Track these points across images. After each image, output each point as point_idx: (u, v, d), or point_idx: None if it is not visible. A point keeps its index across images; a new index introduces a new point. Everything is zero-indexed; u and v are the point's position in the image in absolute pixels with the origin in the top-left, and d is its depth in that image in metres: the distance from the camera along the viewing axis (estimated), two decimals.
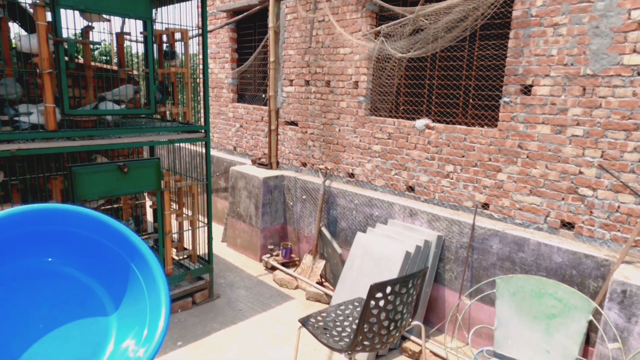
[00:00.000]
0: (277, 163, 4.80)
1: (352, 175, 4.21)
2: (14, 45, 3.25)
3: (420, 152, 3.64)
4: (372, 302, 2.13)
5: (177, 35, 3.46)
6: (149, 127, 3.16)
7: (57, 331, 1.05)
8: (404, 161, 3.76)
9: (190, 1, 3.35)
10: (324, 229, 4.03)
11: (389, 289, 2.14)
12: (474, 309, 3.05)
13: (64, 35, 2.76)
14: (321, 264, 3.97)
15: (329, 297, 3.66)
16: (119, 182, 2.99)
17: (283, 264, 4.25)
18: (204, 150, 3.50)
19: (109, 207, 4.09)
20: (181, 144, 3.61)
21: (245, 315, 3.45)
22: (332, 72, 4.32)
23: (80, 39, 3.35)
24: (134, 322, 1.07)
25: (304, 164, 4.79)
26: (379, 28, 3.65)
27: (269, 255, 4.40)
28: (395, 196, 3.78)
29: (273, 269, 4.26)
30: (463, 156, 3.35)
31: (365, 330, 2.17)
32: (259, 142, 5.65)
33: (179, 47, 3.52)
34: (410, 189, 3.75)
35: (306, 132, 4.73)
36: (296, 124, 4.83)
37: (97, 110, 2.93)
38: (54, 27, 2.62)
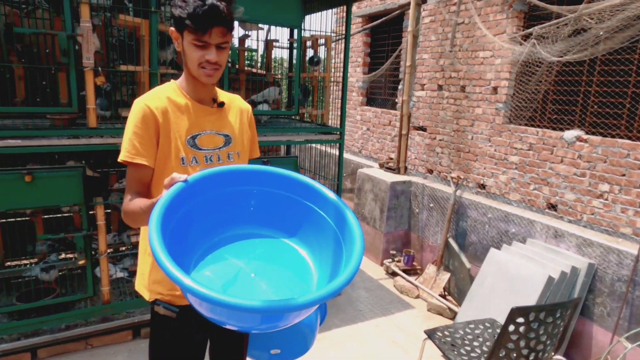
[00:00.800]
0: (405, 168, 4.74)
1: (483, 186, 3.96)
2: None
3: (567, 166, 3.26)
4: (512, 327, 1.97)
5: (320, 41, 3.64)
6: (290, 127, 3.38)
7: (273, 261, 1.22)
8: (547, 175, 3.41)
9: (332, 9, 3.50)
10: (451, 241, 3.87)
11: (532, 316, 1.97)
12: (632, 355, 2.63)
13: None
14: (445, 276, 3.82)
15: (453, 312, 3.50)
16: None
17: (404, 271, 4.19)
18: (335, 152, 3.61)
19: None
20: (313, 145, 3.79)
21: (365, 317, 3.48)
22: (468, 77, 4.12)
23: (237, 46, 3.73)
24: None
25: (430, 171, 4.65)
26: (530, 30, 3.36)
27: (390, 260, 4.38)
28: (535, 213, 3.45)
29: (394, 274, 4.23)
30: (623, 175, 2.91)
31: (500, 355, 2.02)
32: (384, 146, 5.66)
33: (321, 52, 3.71)
34: (552, 206, 3.38)
35: (435, 138, 4.59)
36: (425, 130, 4.72)
37: (256, 111, 3.24)
38: None
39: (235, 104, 1.53)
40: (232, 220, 1.26)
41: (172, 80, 1.43)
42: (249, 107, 1.58)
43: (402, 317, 3.53)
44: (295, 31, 3.29)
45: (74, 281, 3.18)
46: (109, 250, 2.96)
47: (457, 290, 3.79)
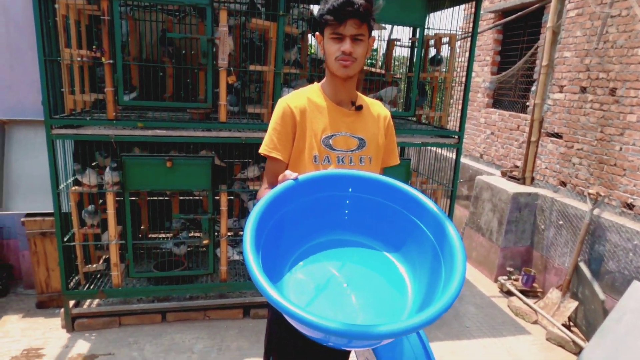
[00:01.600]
0: (532, 179, 4.30)
1: (630, 206, 3.38)
2: (311, 52, 3.93)
3: None
4: None
5: (444, 39, 3.47)
6: (405, 128, 3.30)
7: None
8: None
9: (460, 5, 3.30)
10: (582, 265, 3.40)
11: None
12: None
13: None
14: (572, 304, 3.37)
15: (577, 346, 3.07)
16: None
17: (522, 292, 3.81)
18: (452, 155, 3.43)
19: None
20: (431, 148, 3.64)
21: (472, 335, 3.25)
22: (621, 78, 3.54)
23: None
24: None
25: (563, 184, 4.13)
26: None
27: (506, 277, 4.02)
28: None
29: (509, 293, 3.87)
30: None
31: None
32: (509, 152, 5.20)
33: (445, 51, 3.54)
34: None
35: (572, 147, 4.05)
36: (560, 137, 4.20)
37: None
38: None
39: (374, 109, 1.55)
40: (330, 224, 1.27)
41: (315, 83, 1.52)
42: (388, 113, 1.59)
43: (515, 342, 3.21)
44: (418, 30, 3.19)
45: (199, 258, 3.56)
46: (229, 234, 3.24)
47: (585, 322, 3.32)
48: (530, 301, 3.64)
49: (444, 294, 0.93)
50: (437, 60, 3.36)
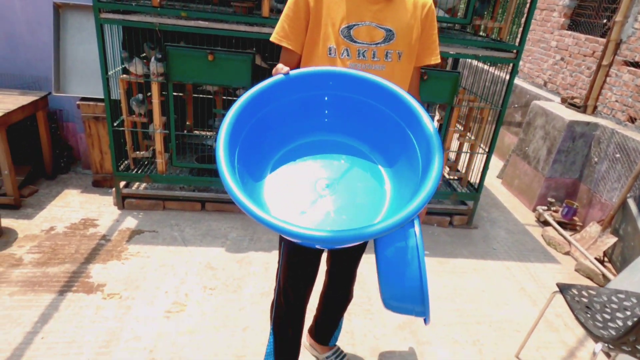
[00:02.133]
0: (595, 108, 3.94)
1: None
2: None
3: None
4: None
5: None
6: (458, 38, 3.06)
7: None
8: None
9: None
10: (631, 202, 3.20)
11: None
12: None
13: None
14: (610, 240, 3.24)
15: (607, 279, 3.01)
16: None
17: (559, 223, 3.70)
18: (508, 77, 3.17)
19: None
20: (487, 68, 3.37)
21: (497, 256, 3.26)
22: None
23: None
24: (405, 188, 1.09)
25: (632, 120, 3.76)
26: None
27: (545, 207, 3.89)
28: None
29: (545, 223, 3.77)
30: None
31: None
32: (578, 82, 4.74)
33: None
34: None
35: None
36: None
37: None
38: None
39: None
40: (317, 125, 1.20)
41: None
42: (427, 1, 1.37)
43: (541, 268, 3.19)
44: None
45: None
46: None
47: (621, 259, 3.21)
48: (566, 233, 3.54)
49: (416, 197, 0.90)
50: None
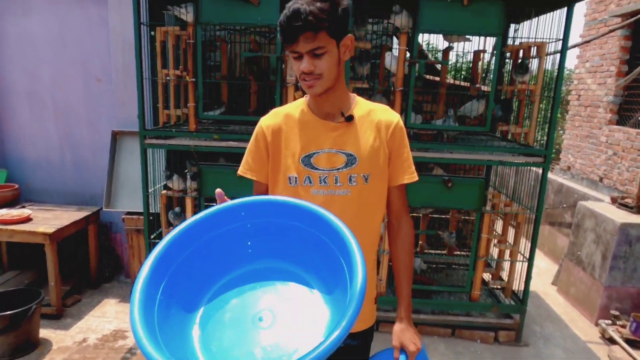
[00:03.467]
0: None
1: None
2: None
3: None
4: None
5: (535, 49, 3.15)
6: (481, 145, 3.06)
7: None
8: None
9: (553, 11, 2.96)
10: None
11: None
12: None
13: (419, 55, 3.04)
14: None
15: None
16: (441, 195, 3.08)
17: (628, 341, 3.20)
18: (557, 179, 3.05)
19: (437, 215, 4.29)
20: (532, 169, 3.26)
21: None
22: None
23: (437, 58, 3.61)
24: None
25: None
26: None
27: (609, 322, 3.42)
28: None
29: (611, 341, 3.28)
30: None
31: None
32: (637, 177, 4.44)
33: (536, 62, 3.21)
34: None
35: None
36: None
37: (430, 125, 3.10)
38: (411, 50, 2.94)
39: (375, 116, 1.35)
40: (242, 256, 1.14)
41: (305, 95, 1.40)
42: (393, 119, 1.35)
43: None
44: (495, 39, 2.96)
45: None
46: None
47: None
48: (637, 354, 3.04)
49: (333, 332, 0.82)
50: (523, 68, 3.05)
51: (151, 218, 3.38)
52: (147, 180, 3.17)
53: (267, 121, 1.38)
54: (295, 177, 1.33)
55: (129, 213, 3.58)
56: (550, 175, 3.23)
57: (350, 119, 1.33)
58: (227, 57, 3.65)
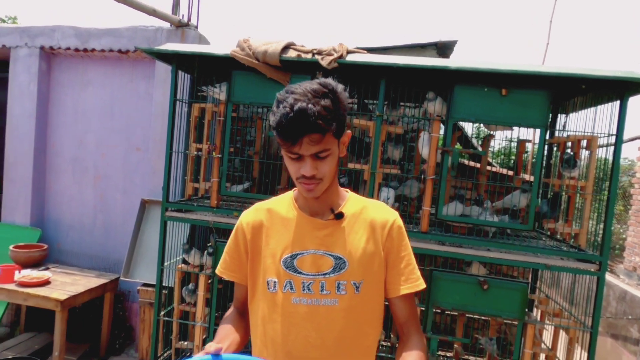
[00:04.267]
0: None
1: None
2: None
3: None
4: None
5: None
6: (522, 245, 2.72)
7: None
8: None
9: (604, 104, 2.72)
10: None
11: None
12: None
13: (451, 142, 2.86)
14: None
15: None
16: (475, 298, 2.72)
17: None
18: (625, 287, 2.63)
19: (475, 316, 3.82)
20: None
21: None
22: None
23: (474, 148, 3.41)
24: None
25: None
26: None
27: None
28: None
29: None
30: None
31: None
32: None
33: (585, 155, 2.92)
34: None
35: None
36: None
37: (468, 219, 2.82)
38: (444, 138, 2.77)
39: (368, 214, 1.20)
40: None
41: (294, 189, 1.28)
42: (389, 217, 1.20)
43: None
44: (539, 131, 2.73)
45: None
46: None
47: None
48: None
49: None
50: (568, 163, 2.77)
51: (165, 292, 3.25)
52: (164, 253, 3.08)
53: (248, 217, 1.25)
54: (275, 282, 1.17)
55: (145, 284, 3.49)
56: (610, 278, 2.78)
57: (340, 216, 1.18)
58: (261, 133, 3.67)
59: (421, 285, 1.20)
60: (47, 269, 3.64)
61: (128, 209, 3.89)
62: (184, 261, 3.35)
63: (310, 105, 1.01)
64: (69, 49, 3.80)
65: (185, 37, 3.61)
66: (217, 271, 1.29)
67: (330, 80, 1.09)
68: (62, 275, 3.56)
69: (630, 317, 4.10)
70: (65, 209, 4.04)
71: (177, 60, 2.96)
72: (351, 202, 1.24)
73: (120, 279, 3.63)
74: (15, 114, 3.93)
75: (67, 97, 4.00)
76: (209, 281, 3.10)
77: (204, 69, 3.21)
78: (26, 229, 3.91)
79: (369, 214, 1.21)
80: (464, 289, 2.72)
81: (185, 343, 3.29)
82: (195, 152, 3.17)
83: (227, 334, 1.16)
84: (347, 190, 1.28)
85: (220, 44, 3.31)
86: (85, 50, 3.78)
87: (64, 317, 3.11)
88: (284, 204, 1.25)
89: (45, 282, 3.30)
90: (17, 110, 3.93)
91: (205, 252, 3.06)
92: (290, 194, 1.28)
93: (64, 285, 3.33)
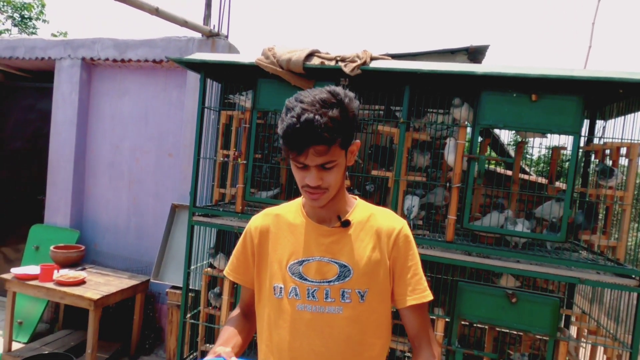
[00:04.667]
0: None
1: None
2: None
3: None
4: None
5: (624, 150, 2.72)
6: (553, 257, 2.59)
7: None
8: None
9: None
10: None
11: None
12: None
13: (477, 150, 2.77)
14: None
15: None
16: (504, 312, 2.61)
17: None
18: None
19: (506, 330, 3.67)
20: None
21: None
22: None
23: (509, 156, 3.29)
24: None
25: None
26: None
27: None
28: None
29: None
30: None
31: None
32: None
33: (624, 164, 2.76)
34: None
35: None
36: None
37: (496, 229, 2.72)
38: (471, 145, 2.70)
39: (375, 222, 1.20)
40: None
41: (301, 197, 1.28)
42: (396, 225, 1.19)
43: None
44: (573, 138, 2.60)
45: None
46: None
47: None
48: None
49: None
50: (604, 172, 2.63)
51: (193, 295, 3.33)
52: (191, 257, 3.16)
53: (257, 222, 1.27)
54: (281, 288, 1.18)
55: (173, 287, 3.58)
56: None
57: (346, 224, 1.18)
58: None
59: (428, 297, 1.17)
60: (83, 269, 3.80)
61: (159, 213, 4.02)
62: (211, 265, 3.42)
63: (317, 117, 1.01)
64: (107, 59, 3.99)
65: (215, 47, 3.71)
66: (224, 272, 1.32)
67: (339, 89, 1.09)
68: (97, 275, 3.72)
69: None
70: (102, 211, 4.22)
71: (205, 69, 3.04)
72: (359, 209, 1.23)
73: (150, 281, 3.74)
74: (59, 121, 4.16)
75: (105, 105, 4.19)
76: (234, 286, 3.14)
77: (231, 77, 3.28)
78: (66, 230, 4.11)
79: (376, 221, 1.20)
80: (491, 302, 2.63)
81: (211, 346, 3.35)
82: (223, 159, 3.23)
83: (230, 337, 1.18)
84: (356, 197, 1.27)
85: (248, 53, 3.38)
86: (122, 60, 3.95)
87: (97, 315, 3.24)
88: (292, 210, 1.26)
89: (81, 282, 3.45)
90: (60, 118, 4.15)
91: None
92: (299, 201, 1.28)
93: (98, 285, 3.47)
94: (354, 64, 2.65)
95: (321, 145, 1.03)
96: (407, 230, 1.20)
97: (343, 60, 2.71)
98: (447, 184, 2.85)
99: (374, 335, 1.18)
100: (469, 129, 2.75)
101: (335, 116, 1.03)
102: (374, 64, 2.70)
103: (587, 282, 2.50)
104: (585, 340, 2.66)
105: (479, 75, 2.47)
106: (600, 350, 2.80)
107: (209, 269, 3.31)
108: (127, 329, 3.79)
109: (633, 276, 2.45)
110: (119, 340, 3.78)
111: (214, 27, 3.78)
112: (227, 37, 3.86)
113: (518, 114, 2.56)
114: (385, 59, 2.80)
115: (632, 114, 2.70)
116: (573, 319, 3.01)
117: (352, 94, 1.11)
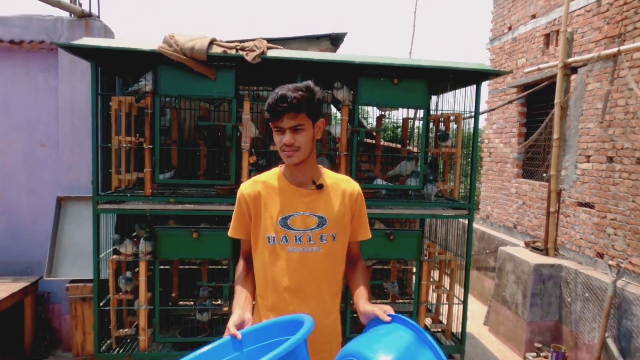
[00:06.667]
0: (556, 249, 4.22)
1: None
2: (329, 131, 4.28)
3: None
4: None
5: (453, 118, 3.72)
6: (416, 202, 3.47)
7: None
8: None
9: (465, 87, 3.57)
10: (610, 342, 3.23)
11: None
12: None
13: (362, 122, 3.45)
14: None
15: None
16: (385, 247, 3.39)
17: None
18: (482, 228, 3.50)
19: (379, 267, 4.60)
20: (459, 220, 3.71)
21: None
22: None
23: (372, 125, 4.08)
24: None
25: (600, 255, 4.03)
26: None
27: (534, 354, 3.84)
28: None
29: None
30: None
31: None
32: (543, 222, 5.14)
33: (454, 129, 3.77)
34: None
35: (605, 217, 4.01)
36: (592, 207, 4.18)
37: (374, 185, 3.48)
38: (353, 119, 3.35)
39: (340, 185, 1.60)
40: None
41: (280, 165, 1.65)
42: (355, 188, 1.62)
43: None
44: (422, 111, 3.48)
45: (223, 325, 3.72)
46: None
47: None
48: None
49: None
50: (442, 137, 3.59)
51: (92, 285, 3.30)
52: (99, 245, 3.14)
53: (248, 189, 1.60)
54: (274, 237, 1.55)
55: (72, 281, 3.45)
56: (476, 225, 3.70)
57: (321, 187, 1.60)
58: (177, 122, 3.83)
59: (370, 235, 1.73)
60: None
61: (38, 209, 3.72)
62: (116, 252, 3.42)
63: (289, 93, 1.41)
64: None
65: (90, 29, 3.54)
66: (229, 234, 1.64)
67: (309, 82, 1.53)
68: None
69: (487, 251, 5.33)
70: None
71: (96, 56, 2.98)
72: (327, 176, 1.63)
73: (40, 281, 3.51)
74: None
75: None
76: (151, 267, 3.25)
77: (119, 62, 3.25)
78: None
79: (341, 185, 1.62)
80: (375, 241, 3.36)
81: (125, 330, 3.40)
82: (125, 145, 3.23)
83: (242, 298, 1.52)
84: (321, 167, 1.71)
85: (123, 35, 3.36)
86: None
87: None
88: (274, 177, 1.63)
89: None
90: None
91: (142, 239, 3.20)
92: (276, 171, 1.65)
93: None
94: (254, 53, 2.99)
95: (292, 112, 1.41)
96: (361, 192, 1.70)
97: (243, 49, 3.02)
98: (337, 152, 3.45)
99: (341, 263, 1.68)
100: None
101: (305, 95, 1.43)
102: (270, 53, 3.08)
103: (438, 216, 3.44)
104: (438, 258, 3.64)
105: (356, 64, 3.10)
106: (445, 278, 3.84)
107: (114, 256, 3.32)
108: (17, 337, 3.50)
109: (465, 208, 3.47)
110: (7, 352, 3.47)
111: (84, 7, 3.58)
112: (98, 17, 3.70)
113: (385, 94, 3.29)
114: (277, 48, 3.21)
115: (457, 90, 3.70)
116: (426, 246, 4.03)
117: (317, 87, 1.55)
